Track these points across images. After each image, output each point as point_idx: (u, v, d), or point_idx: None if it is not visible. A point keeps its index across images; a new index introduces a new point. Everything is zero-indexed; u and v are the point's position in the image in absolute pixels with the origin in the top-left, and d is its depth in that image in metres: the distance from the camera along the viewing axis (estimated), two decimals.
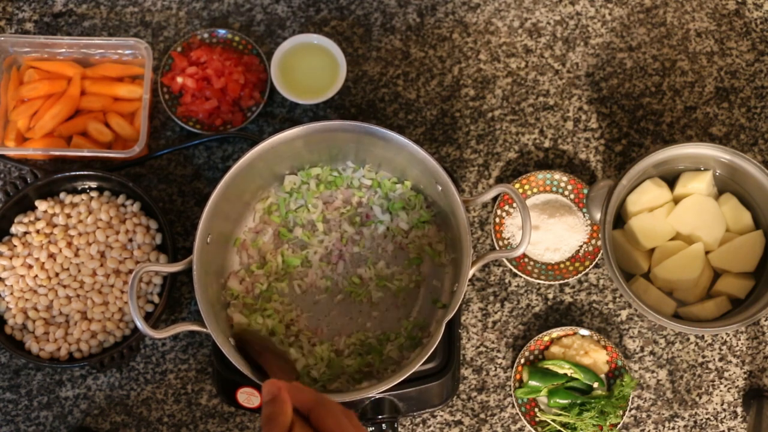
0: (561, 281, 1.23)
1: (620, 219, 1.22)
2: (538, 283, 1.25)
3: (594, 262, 1.23)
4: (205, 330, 1.04)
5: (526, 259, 1.24)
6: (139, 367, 1.23)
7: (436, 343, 1.04)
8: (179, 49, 1.28)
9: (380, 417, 1.11)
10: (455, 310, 1.05)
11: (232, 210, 1.16)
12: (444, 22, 1.31)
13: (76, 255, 1.19)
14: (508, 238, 1.25)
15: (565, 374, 1.20)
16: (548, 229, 1.23)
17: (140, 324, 1.02)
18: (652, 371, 1.24)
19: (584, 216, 1.25)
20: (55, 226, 1.20)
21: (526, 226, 1.05)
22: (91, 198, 1.22)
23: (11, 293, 1.18)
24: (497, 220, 1.24)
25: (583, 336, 1.21)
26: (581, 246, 1.24)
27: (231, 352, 1.04)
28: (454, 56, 1.30)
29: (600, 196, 1.17)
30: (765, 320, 1.25)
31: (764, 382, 1.24)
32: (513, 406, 1.22)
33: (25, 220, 1.20)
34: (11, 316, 1.18)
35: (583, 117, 1.29)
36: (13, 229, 1.21)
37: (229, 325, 1.14)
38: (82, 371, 1.22)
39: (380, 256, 1.19)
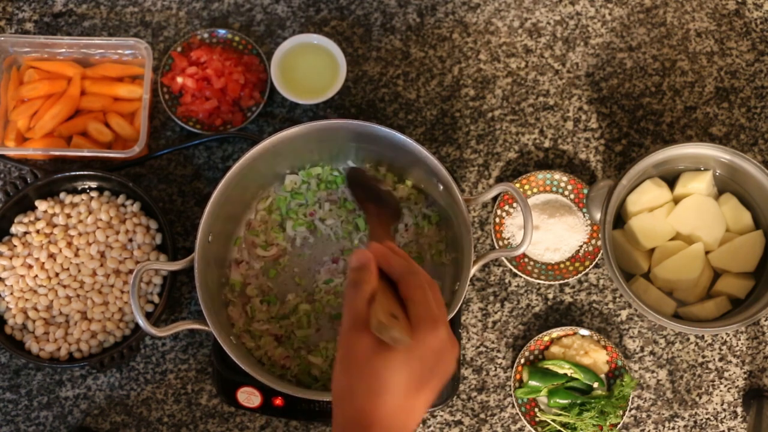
0: (561, 281, 1.23)
1: (620, 219, 1.22)
2: (538, 283, 1.25)
3: (594, 262, 1.23)
4: (206, 328, 1.04)
5: (526, 259, 1.24)
6: (139, 367, 1.22)
7: None
8: (179, 49, 1.28)
9: None
10: (456, 310, 1.05)
11: (232, 209, 1.16)
12: (444, 22, 1.31)
13: (76, 255, 1.19)
14: (508, 238, 1.25)
15: (565, 374, 1.20)
16: (548, 229, 1.23)
17: (142, 322, 1.02)
18: (652, 371, 1.24)
19: (584, 216, 1.25)
20: (55, 226, 1.20)
21: (527, 225, 1.05)
22: (91, 198, 1.22)
23: (11, 293, 1.18)
24: (497, 220, 1.24)
25: (583, 336, 1.21)
26: (581, 246, 1.24)
27: (232, 351, 1.04)
28: (454, 56, 1.31)
29: (600, 196, 1.17)
30: (765, 320, 1.25)
31: (764, 382, 1.24)
32: (513, 406, 1.22)
33: (25, 220, 1.20)
34: (11, 316, 1.18)
35: (583, 117, 1.29)
36: (13, 229, 1.20)
37: (230, 324, 1.14)
38: (82, 371, 1.22)
39: None
